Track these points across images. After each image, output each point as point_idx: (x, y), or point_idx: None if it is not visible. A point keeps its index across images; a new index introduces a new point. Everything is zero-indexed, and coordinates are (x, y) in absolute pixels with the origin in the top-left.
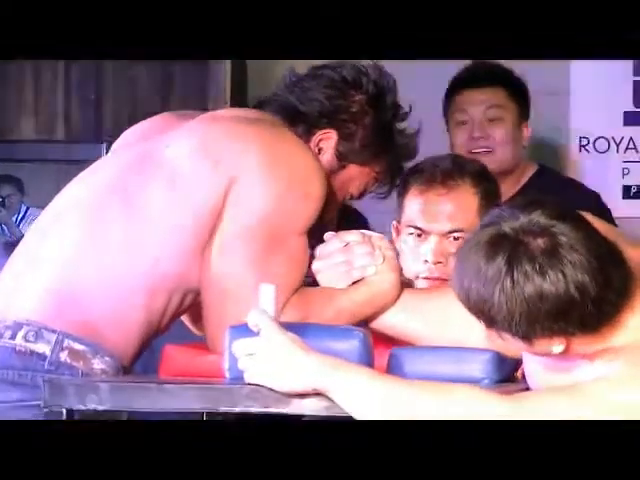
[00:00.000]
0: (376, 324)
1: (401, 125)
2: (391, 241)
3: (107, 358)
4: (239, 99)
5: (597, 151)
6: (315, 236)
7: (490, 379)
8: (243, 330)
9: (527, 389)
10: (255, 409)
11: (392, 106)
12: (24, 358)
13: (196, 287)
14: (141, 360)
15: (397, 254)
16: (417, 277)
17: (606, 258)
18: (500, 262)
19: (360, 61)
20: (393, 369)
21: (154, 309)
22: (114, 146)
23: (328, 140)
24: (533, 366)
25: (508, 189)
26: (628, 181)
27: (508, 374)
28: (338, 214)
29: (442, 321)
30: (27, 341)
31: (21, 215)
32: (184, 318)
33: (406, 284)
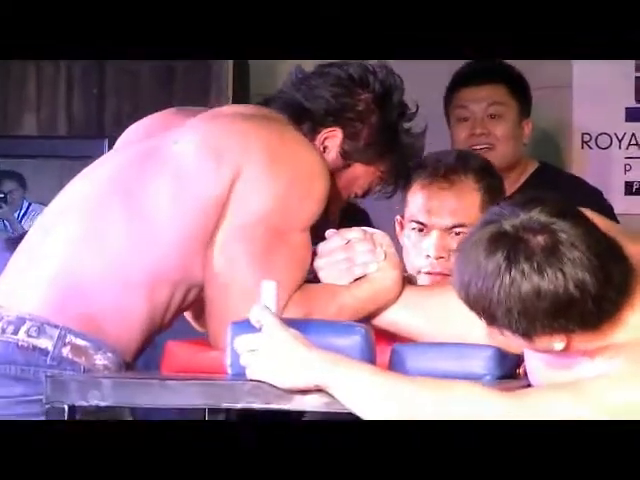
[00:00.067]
0: (378, 321)
1: (407, 125)
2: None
3: (109, 354)
4: (241, 95)
5: (599, 147)
6: (318, 233)
7: (492, 375)
8: (245, 326)
9: (528, 386)
10: (257, 405)
11: (398, 105)
12: (26, 353)
13: (199, 282)
14: (143, 356)
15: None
16: (419, 272)
17: (606, 255)
18: (499, 259)
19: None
20: (395, 365)
21: (157, 304)
22: (118, 143)
23: (333, 138)
24: (535, 363)
25: (509, 186)
26: (630, 177)
27: (510, 370)
28: (341, 212)
29: (444, 317)
30: (30, 336)
31: (23, 211)
32: (186, 314)
33: (408, 281)
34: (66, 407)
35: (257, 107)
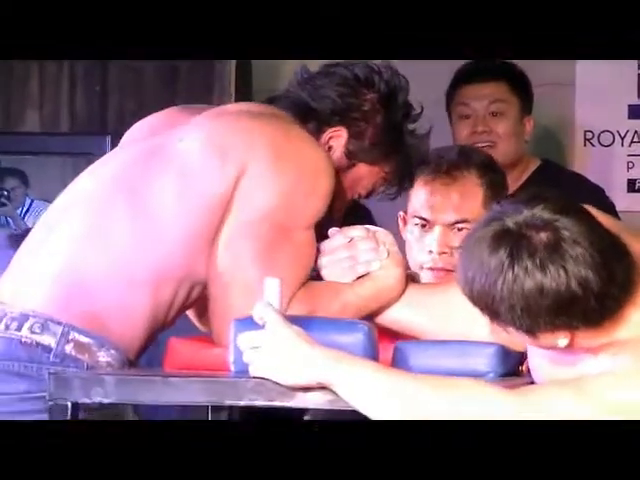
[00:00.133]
0: (381, 319)
1: (412, 126)
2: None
3: (113, 351)
4: (244, 93)
5: (602, 145)
6: (322, 232)
7: (495, 373)
8: (248, 323)
9: (532, 383)
10: (259, 402)
11: (403, 106)
12: (30, 350)
13: (203, 280)
14: (146, 353)
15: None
16: (422, 267)
17: (609, 252)
18: (502, 256)
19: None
20: (398, 363)
21: (160, 302)
22: (122, 140)
23: (338, 138)
24: (538, 360)
25: (511, 184)
26: (633, 175)
27: (513, 368)
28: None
29: (446, 315)
30: (33, 333)
31: (26, 208)
32: (189, 313)
33: (411, 279)
34: (69, 404)
35: (262, 105)
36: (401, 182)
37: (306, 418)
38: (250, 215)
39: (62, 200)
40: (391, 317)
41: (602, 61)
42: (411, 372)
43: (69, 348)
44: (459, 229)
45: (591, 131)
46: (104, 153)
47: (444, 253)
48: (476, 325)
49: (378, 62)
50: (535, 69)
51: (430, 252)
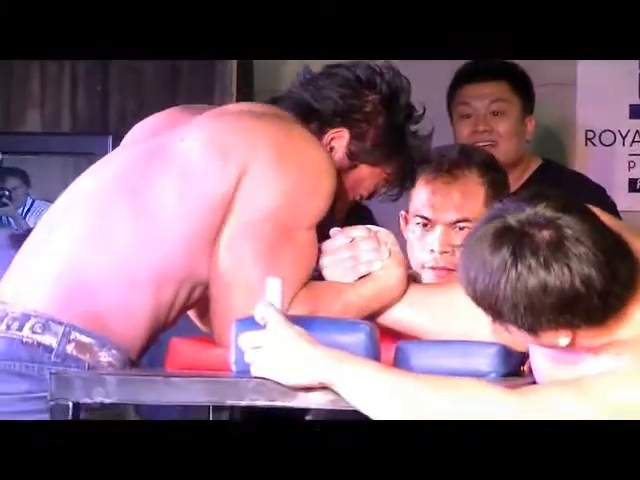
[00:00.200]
0: (382, 319)
1: (414, 127)
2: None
3: (114, 351)
4: (245, 93)
5: (603, 144)
6: (324, 232)
7: (496, 373)
8: (249, 323)
9: (533, 383)
10: (261, 402)
11: (405, 107)
12: (31, 350)
13: (204, 280)
14: (147, 353)
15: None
16: (423, 267)
17: (612, 251)
18: (505, 254)
19: (374, 61)
20: (399, 363)
21: (162, 302)
22: (124, 140)
23: (340, 139)
24: (540, 360)
25: (512, 183)
26: (634, 174)
27: (514, 368)
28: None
29: (448, 315)
30: (34, 333)
31: (27, 208)
32: (190, 314)
33: (412, 279)
34: (70, 404)
35: (264, 105)
36: (403, 183)
37: (308, 418)
38: (252, 215)
39: (63, 200)
40: (393, 317)
41: (603, 61)
42: (413, 372)
43: (70, 348)
44: (460, 228)
45: (592, 131)
46: (105, 153)
47: (445, 252)
48: (478, 325)
49: (380, 63)
50: (536, 69)
51: (431, 251)
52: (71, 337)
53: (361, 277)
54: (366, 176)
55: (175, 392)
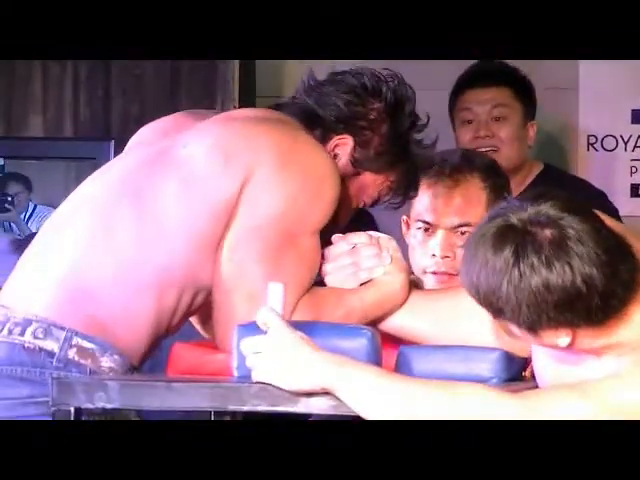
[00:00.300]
0: (384, 325)
1: (418, 136)
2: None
3: (116, 356)
4: (247, 97)
5: (605, 149)
6: (327, 239)
7: (498, 378)
8: (251, 328)
9: (536, 388)
10: (263, 408)
11: (409, 116)
12: (33, 355)
13: (207, 286)
14: (149, 358)
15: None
16: (425, 272)
17: (614, 251)
18: (507, 253)
19: (379, 67)
20: (401, 367)
21: (165, 307)
22: (128, 145)
23: (344, 146)
24: (542, 365)
25: (514, 188)
26: (636, 179)
27: (516, 373)
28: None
29: (450, 321)
30: (36, 338)
31: (29, 213)
32: (192, 320)
33: (414, 284)
34: (72, 409)
35: (268, 110)
36: (406, 191)
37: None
38: (255, 220)
39: (67, 205)
40: (394, 323)
41: (605, 66)
42: (414, 377)
43: (72, 353)
44: (462, 233)
45: (594, 136)
46: (107, 158)
47: (447, 257)
48: (479, 331)
49: (385, 71)
50: (538, 74)
51: (433, 256)
52: (73, 342)
53: (363, 283)
54: (369, 183)
55: (177, 397)
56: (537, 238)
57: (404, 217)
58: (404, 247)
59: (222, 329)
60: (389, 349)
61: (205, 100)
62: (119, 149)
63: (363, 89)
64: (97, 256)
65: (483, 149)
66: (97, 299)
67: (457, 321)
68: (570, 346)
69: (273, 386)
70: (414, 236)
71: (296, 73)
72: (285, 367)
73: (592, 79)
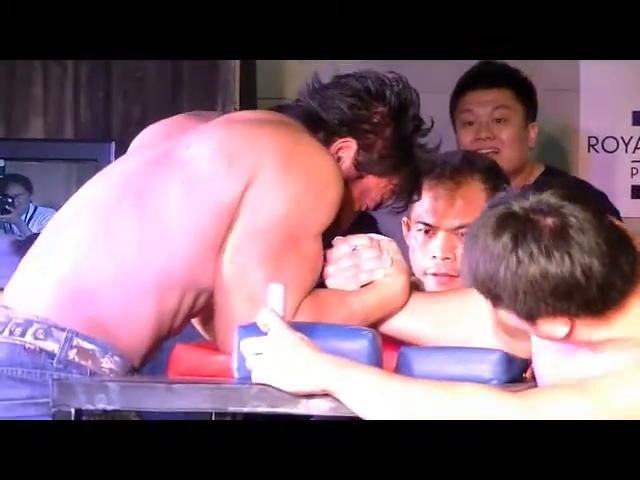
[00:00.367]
0: (385, 327)
1: (422, 140)
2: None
3: (117, 358)
4: (248, 99)
5: (606, 151)
6: (329, 242)
7: (498, 380)
8: (252, 329)
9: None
10: (263, 409)
11: (413, 119)
12: (33, 356)
13: (209, 288)
14: (150, 360)
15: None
16: (425, 273)
17: (615, 242)
18: (506, 239)
19: (379, 67)
20: (401, 368)
21: (166, 309)
22: (131, 147)
23: (347, 149)
24: (542, 365)
25: (515, 190)
26: (637, 181)
27: (516, 375)
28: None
29: (450, 322)
30: (37, 339)
31: (29, 214)
32: (194, 321)
33: (415, 286)
34: (73, 410)
35: (272, 113)
36: (409, 195)
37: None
38: (258, 223)
39: (69, 206)
40: (395, 325)
41: (606, 67)
42: (414, 378)
43: (72, 354)
44: (463, 234)
45: (595, 137)
46: (108, 160)
47: (447, 259)
48: (480, 332)
49: (390, 75)
50: (539, 75)
51: (434, 257)
52: (73, 343)
53: (364, 285)
54: (373, 187)
55: (177, 399)
56: (538, 226)
57: (405, 219)
58: (405, 249)
59: (223, 330)
60: (390, 351)
61: (206, 102)
62: (120, 151)
63: (367, 93)
64: (98, 258)
65: (484, 151)
66: (98, 300)
67: (457, 323)
68: (568, 337)
69: (273, 387)
70: (415, 238)
71: (297, 74)
72: (285, 368)
73: (593, 81)
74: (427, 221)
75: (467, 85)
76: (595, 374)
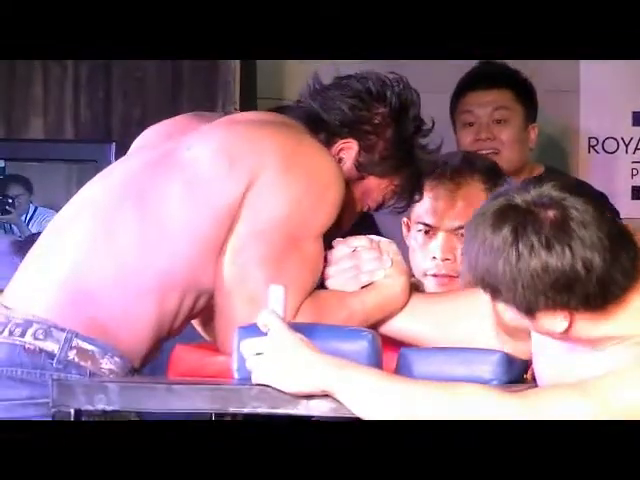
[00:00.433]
0: (385, 328)
1: (423, 140)
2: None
3: (117, 358)
4: (248, 99)
5: (606, 152)
6: (330, 243)
7: (499, 380)
8: (252, 330)
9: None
10: (263, 410)
11: (414, 120)
12: (33, 356)
13: (209, 289)
14: (151, 361)
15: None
16: (425, 274)
17: (616, 236)
18: (506, 232)
19: (379, 66)
20: (402, 369)
21: (166, 310)
22: (132, 148)
23: (348, 150)
24: (542, 366)
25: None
26: (637, 182)
27: (517, 375)
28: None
29: (450, 323)
30: (36, 339)
31: (30, 215)
32: (194, 322)
33: (415, 287)
34: (72, 411)
35: (273, 114)
36: (411, 196)
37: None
38: (259, 224)
39: (70, 207)
40: (395, 326)
41: (606, 68)
42: (415, 379)
43: (72, 355)
44: (462, 235)
45: (595, 138)
46: (108, 160)
47: (447, 259)
48: (480, 333)
49: (390, 75)
50: (539, 76)
51: (434, 258)
52: (73, 344)
53: (364, 287)
54: (374, 187)
55: (177, 399)
56: (538, 218)
57: (405, 219)
58: (404, 250)
59: (223, 331)
60: (390, 352)
61: (206, 102)
62: (120, 151)
63: (368, 94)
64: (99, 259)
65: (484, 152)
66: (98, 301)
67: (458, 323)
68: (568, 332)
69: (273, 388)
70: (415, 238)
71: (297, 74)
72: (285, 369)
73: (593, 81)
74: (427, 222)
75: (467, 86)
76: (595, 373)
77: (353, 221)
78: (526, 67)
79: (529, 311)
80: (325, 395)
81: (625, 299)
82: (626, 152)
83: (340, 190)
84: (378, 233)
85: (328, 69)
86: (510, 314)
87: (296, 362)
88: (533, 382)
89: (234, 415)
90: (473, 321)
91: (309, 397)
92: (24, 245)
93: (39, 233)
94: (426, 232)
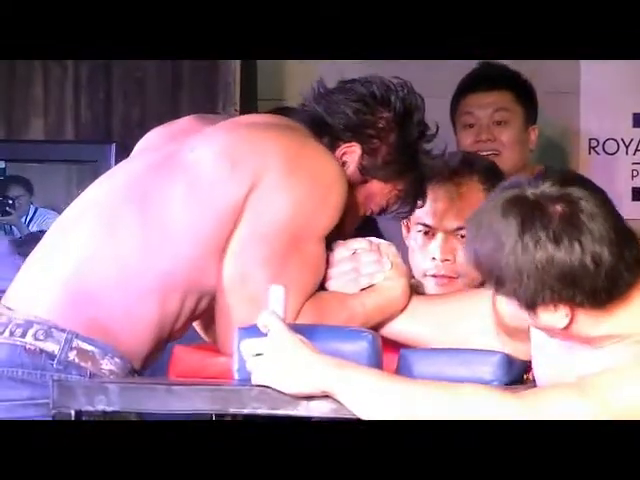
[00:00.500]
0: (385, 330)
1: (427, 145)
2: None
3: (117, 359)
4: (249, 100)
5: (606, 153)
6: (332, 246)
7: (499, 381)
8: (252, 331)
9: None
10: (263, 411)
11: (418, 125)
12: (33, 356)
13: (211, 291)
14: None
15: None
16: (425, 275)
17: (621, 232)
18: (512, 224)
19: (379, 66)
20: (402, 370)
21: (168, 311)
22: (135, 149)
23: (352, 154)
24: (542, 368)
25: None
26: (637, 183)
27: (517, 376)
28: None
29: (450, 324)
30: (37, 339)
31: (30, 216)
32: (195, 325)
33: (414, 289)
34: (72, 412)
35: (277, 116)
36: (414, 200)
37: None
38: (262, 226)
39: (73, 208)
40: (396, 328)
41: (607, 69)
42: (415, 379)
43: (72, 355)
44: (462, 236)
45: (596, 139)
46: (109, 161)
47: (447, 260)
48: (480, 333)
49: (395, 80)
50: (539, 77)
51: (433, 259)
52: (73, 344)
53: (364, 289)
54: (377, 191)
55: (177, 400)
56: (547, 212)
57: (404, 220)
58: (404, 251)
59: (224, 332)
60: (390, 353)
61: (206, 103)
62: (120, 152)
63: (372, 98)
64: (101, 260)
65: (484, 153)
66: (99, 302)
67: (458, 324)
68: (568, 329)
69: (273, 389)
70: (414, 239)
71: (297, 75)
72: (285, 369)
73: (593, 83)
74: (426, 222)
75: (467, 87)
76: (594, 371)
77: (356, 225)
78: (526, 68)
79: (531, 305)
80: (325, 396)
81: (628, 296)
82: (626, 153)
83: (343, 193)
84: (380, 237)
85: (332, 73)
86: (511, 310)
87: (296, 363)
88: (533, 383)
89: (234, 416)
90: (473, 322)
91: (309, 398)
92: (24, 245)
93: (39, 231)
94: (425, 233)
